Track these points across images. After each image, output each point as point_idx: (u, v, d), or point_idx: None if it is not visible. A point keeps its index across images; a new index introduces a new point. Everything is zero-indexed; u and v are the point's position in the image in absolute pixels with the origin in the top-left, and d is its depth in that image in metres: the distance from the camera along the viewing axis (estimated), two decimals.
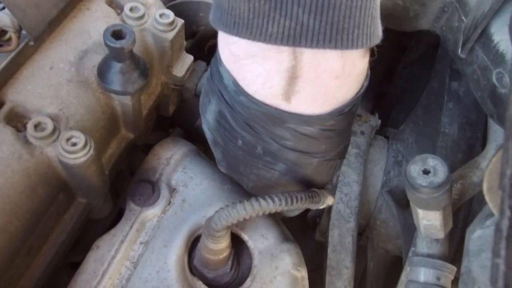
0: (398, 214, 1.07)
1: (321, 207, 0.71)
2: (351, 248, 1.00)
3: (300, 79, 0.50)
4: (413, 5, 0.75)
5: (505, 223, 0.30)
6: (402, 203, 1.08)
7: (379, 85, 1.58)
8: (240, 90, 0.54)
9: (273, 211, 0.61)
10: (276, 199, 0.60)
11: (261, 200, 0.59)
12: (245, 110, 0.55)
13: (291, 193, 0.62)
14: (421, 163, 0.58)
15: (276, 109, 0.53)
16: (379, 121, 1.23)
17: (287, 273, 0.81)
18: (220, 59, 0.56)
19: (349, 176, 1.12)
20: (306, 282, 0.85)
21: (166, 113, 0.90)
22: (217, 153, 0.72)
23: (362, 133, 1.22)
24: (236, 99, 0.55)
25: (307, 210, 1.39)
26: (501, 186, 0.32)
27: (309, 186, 0.68)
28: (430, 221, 0.64)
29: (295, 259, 0.83)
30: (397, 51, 1.54)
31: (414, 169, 0.58)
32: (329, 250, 1.00)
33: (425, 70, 1.33)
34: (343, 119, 0.57)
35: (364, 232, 1.19)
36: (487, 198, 0.47)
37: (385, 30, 0.52)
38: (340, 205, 1.07)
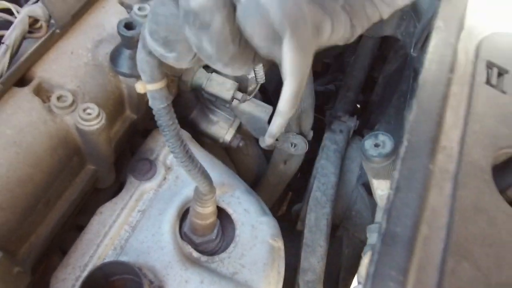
0: (370, 204, 1.19)
1: None
2: (325, 229, 1.12)
3: None
4: None
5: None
6: None
7: (361, 92, 1.71)
8: None
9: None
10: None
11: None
12: None
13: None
14: (373, 139, 0.71)
15: None
16: (357, 122, 1.37)
17: (265, 242, 0.93)
18: None
19: (327, 168, 1.25)
20: (282, 253, 0.96)
21: None
22: None
23: (341, 131, 1.35)
24: None
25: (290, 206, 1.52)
26: None
27: None
28: (383, 191, 0.77)
29: (272, 230, 0.95)
30: (378, 62, 1.68)
31: (368, 143, 0.71)
32: (306, 230, 1.12)
33: (400, 78, 1.47)
34: None
35: (341, 223, 1.31)
36: None
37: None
38: (318, 193, 1.19)
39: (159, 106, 0.56)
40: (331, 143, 1.30)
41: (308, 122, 1.14)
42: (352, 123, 1.36)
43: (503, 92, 0.54)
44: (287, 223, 1.55)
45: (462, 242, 0.42)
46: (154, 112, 0.58)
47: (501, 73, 0.55)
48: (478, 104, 0.52)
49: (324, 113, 1.46)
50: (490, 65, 0.55)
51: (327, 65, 1.97)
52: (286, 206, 1.82)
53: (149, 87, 0.55)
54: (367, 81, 1.66)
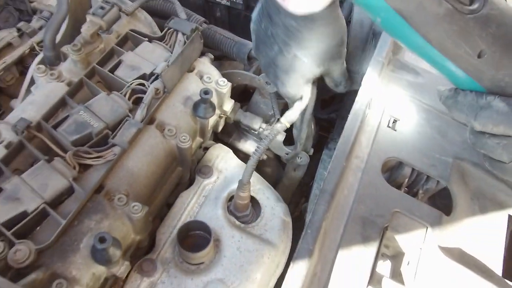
0: None
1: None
2: None
3: None
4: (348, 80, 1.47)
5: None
6: None
7: None
8: None
9: (263, 151, 1.25)
10: (257, 148, 1.24)
11: (253, 155, 1.26)
12: (267, 3, 1.02)
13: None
14: None
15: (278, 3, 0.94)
16: None
17: (279, 217, 1.48)
18: None
19: (323, 175, 1.81)
20: (290, 225, 1.50)
21: (217, 130, 1.63)
22: (253, 39, 1.16)
23: (335, 149, 1.92)
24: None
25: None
26: None
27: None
28: None
29: (284, 210, 1.50)
30: None
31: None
32: (307, 216, 1.67)
33: None
34: (310, 24, 0.95)
35: None
36: None
37: None
38: (316, 190, 1.75)
39: (276, 133, 1.17)
40: (327, 157, 1.86)
41: (309, 144, 1.72)
42: None
43: (395, 130, 1.10)
44: (301, 223, 2.10)
45: (358, 198, 0.97)
46: (270, 131, 1.17)
47: (395, 120, 1.10)
48: (381, 136, 1.07)
49: (328, 133, 2.03)
50: (390, 116, 1.10)
51: (332, 97, 2.54)
52: (300, 209, 2.36)
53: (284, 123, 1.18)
54: None
